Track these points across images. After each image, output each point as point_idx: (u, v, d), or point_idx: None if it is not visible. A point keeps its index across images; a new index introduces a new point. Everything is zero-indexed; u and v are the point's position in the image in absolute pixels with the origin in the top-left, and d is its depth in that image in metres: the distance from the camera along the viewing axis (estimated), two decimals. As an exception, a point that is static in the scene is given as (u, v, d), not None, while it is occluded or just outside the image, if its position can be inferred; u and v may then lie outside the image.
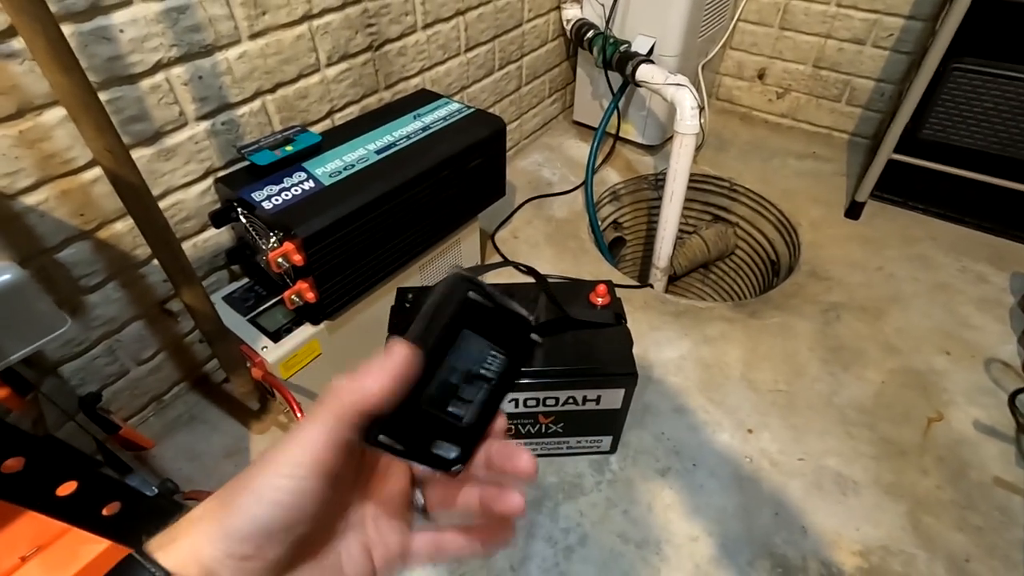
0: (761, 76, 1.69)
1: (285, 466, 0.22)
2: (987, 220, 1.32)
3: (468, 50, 1.23)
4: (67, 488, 0.51)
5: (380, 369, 0.23)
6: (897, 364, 1.06)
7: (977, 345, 1.09)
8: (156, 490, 0.61)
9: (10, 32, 0.60)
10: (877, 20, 1.43)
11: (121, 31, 0.68)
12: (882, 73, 1.50)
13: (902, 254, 1.30)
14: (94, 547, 0.58)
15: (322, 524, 0.24)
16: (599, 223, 1.43)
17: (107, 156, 0.53)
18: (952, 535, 0.82)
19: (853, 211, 1.38)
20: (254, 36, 0.82)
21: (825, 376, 1.04)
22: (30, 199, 0.68)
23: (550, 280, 0.84)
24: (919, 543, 0.81)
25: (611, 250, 1.56)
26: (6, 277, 0.38)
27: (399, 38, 1.05)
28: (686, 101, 1.13)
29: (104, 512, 0.56)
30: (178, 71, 0.76)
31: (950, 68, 1.16)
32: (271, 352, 0.81)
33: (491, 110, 1.39)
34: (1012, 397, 0.97)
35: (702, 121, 1.17)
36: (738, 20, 1.62)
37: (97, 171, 0.73)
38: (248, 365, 0.82)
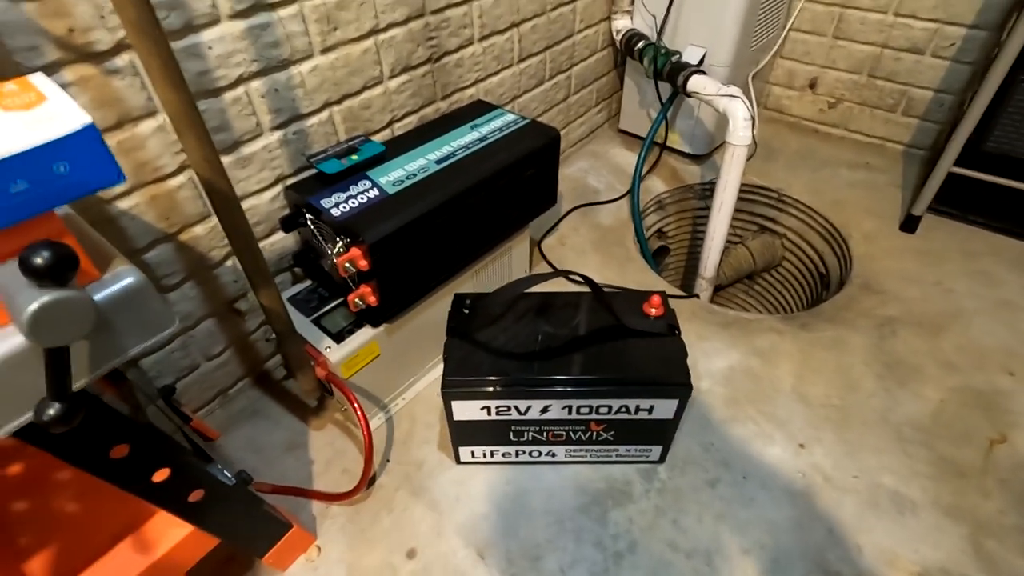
0: (812, 85, 1.67)
1: None
2: (1054, 236, 1.27)
3: (521, 61, 1.25)
4: (162, 475, 0.55)
5: None
6: (957, 382, 1.03)
7: (1043, 365, 1.05)
8: (233, 480, 0.65)
9: (115, 51, 0.65)
10: (938, 29, 1.40)
11: (210, 48, 0.73)
12: (942, 83, 1.45)
13: (962, 269, 1.26)
14: (180, 531, 0.62)
15: None
16: (644, 231, 1.43)
17: (204, 166, 0.56)
18: (1017, 561, 0.80)
19: (909, 224, 1.35)
20: (325, 51, 0.86)
21: (880, 392, 1.02)
22: (124, 204, 0.73)
23: (604, 289, 0.85)
24: (981, 567, 0.79)
25: (655, 258, 1.56)
26: (130, 280, 0.42)
27: (457, 50, 1.08)
28: (739, 112, 1.13)
29: (190, 499, 0.60)
30: (257, 84, 0.80)
31: (1019, 80, 1.12)
32: (334, 352, 0.85)
33: (540, 118, 1.41)
34: (1082, 421, 0.94)
35: (754, 133, 1.16)
36: (790, 29, 1.60)
37: (182, 178, 0.78)
38: (312, 364, 0.85)
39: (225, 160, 0.81)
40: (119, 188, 0.72)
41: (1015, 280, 1.22)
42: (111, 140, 0.69)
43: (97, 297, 0.40)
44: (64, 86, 0.63)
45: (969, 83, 1.41)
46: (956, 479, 0.89)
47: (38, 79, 0.39)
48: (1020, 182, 1.21)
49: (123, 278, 0.42)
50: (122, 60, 0.66)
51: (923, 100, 1.50)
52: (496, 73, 1.20)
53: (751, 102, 1.50)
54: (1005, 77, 1.10)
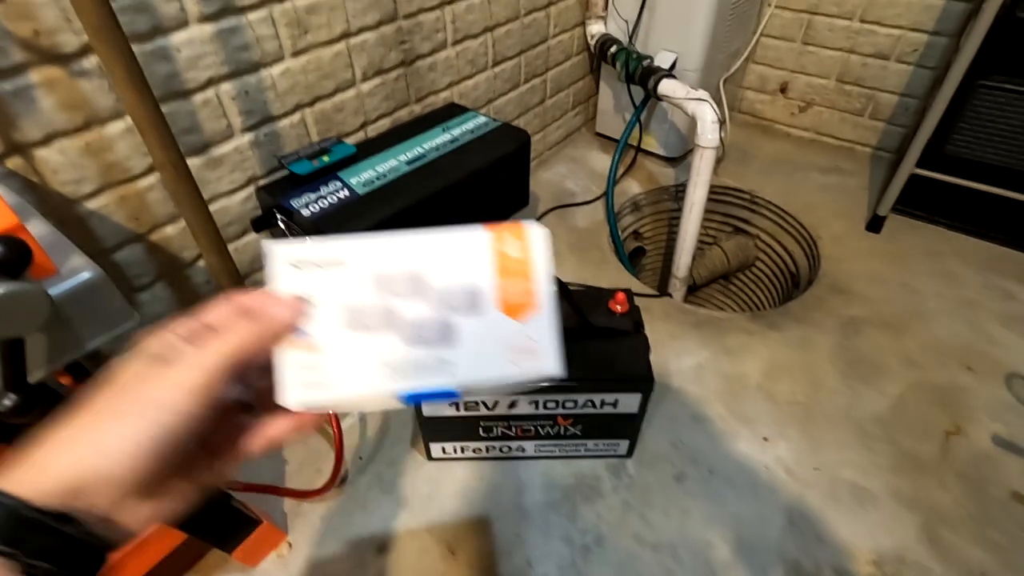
0: (783, 90, 1.71)
1: (186, 385, 0.22)
2: (1014, 236, 1.31)
3: (495, 65, 1.27)
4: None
5: (274, 312, 0.25)
6: (918, 378, 1.06)
7: (1001, 361, 1.09)
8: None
9: (82, 53, 0.66)
10: (901, 36, 1.44)
11: (178, 50, 0.74)
12: (906, 88, 1.50)
13: (926, 269, 1.29)
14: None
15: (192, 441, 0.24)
16: (620, 233, 1.46)
17: (168, 168, 0.58)
18: (970, 550, 0.82)
19: (874, 225, 1.38)
20: (296, 54, 0.87)
21: (844, 389, 1.05)
22: (93, 203, 0.74)
23: (571, 288, 0.87)
24: (935, 556, 0.82)
25: (631, 260, 1.58)
26: (88, 275, 0.43)
27: (430, 54, 1.10)
28: (707, 115, 1.16)
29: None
30: (227, 87, 0.81)
31: (976, 85, 1.16)
32: (305, 351, 0.86)
33: (516, 122, 1.43)
34: (1035, 414, 0.97)
35: (723, 135, 1.19)
36: (761, 35, 1.64)
37: (151, 179, 0.79)
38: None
39: (195, 162, 0.82)
40: (87, 188, 0.73)
41: (976, 279, 1.26)
42: (79, 141, 0.70)
43: (52, 291, 0.41)
44: (30, 88, 0.64)
45: (931, 88, 1.45)
46: (915, 472, 0.92)
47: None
48: (980, 183, 1.25)
49: (79, 273, 0.43)
50: (89, 62, 0.67)
51: (889, 104, 1.55)
52: (470, 77, 1.22)
53: (723, 105, 1.54)
54: (961, 82, 1.14)
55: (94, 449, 0.21)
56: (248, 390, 0.28)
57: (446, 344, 0.28)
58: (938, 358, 1.10)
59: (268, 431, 0.29)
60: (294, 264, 0.28)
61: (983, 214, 1.32)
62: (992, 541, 0.83)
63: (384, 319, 0.28)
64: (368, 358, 0.28)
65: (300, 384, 0.27)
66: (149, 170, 0.78)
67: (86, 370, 0.65)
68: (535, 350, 0.29)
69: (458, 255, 0.29)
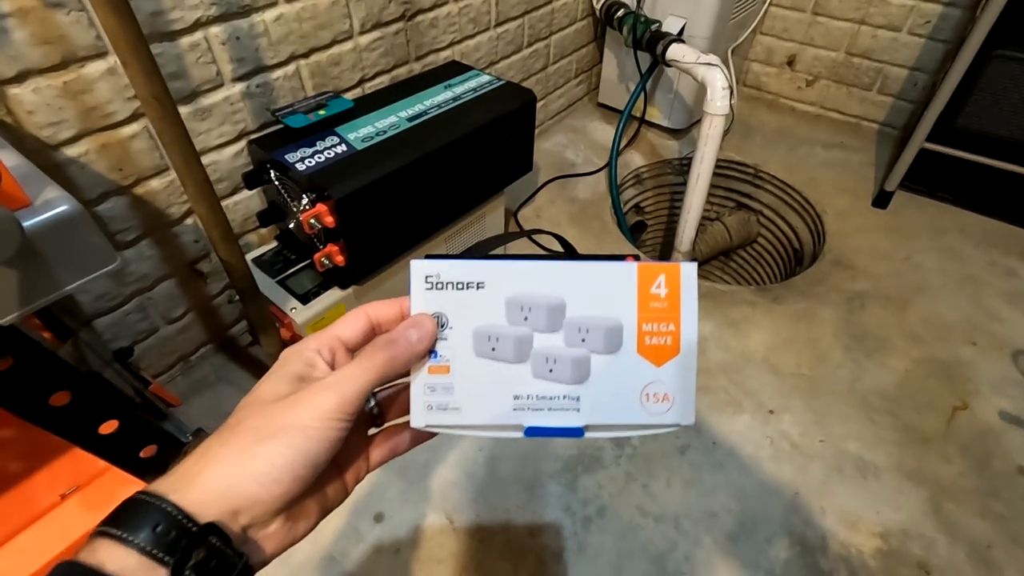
0: (791, 63, 1.67)
1: (328, 411, 0.23)
2: (1019, 213, 1.30)
3: (498, 25, 1.22)
4: (109, 427, 0.53)
5: (414, 339, 0.26)
6: (922, 353, 1.05)
7: (1005, 337, 1.08)
8: (191, 437, 0.62)
9: (58, -19, 0.61)
10: (914, 7, 1.40)
11: (164, -14, 0.69)
12: (917, 62, 1.47)
13: (930, 245, 1.28)
14: (131, 488, 0.59)
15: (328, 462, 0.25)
16: (622, 206, 1.42)
17: (154, 104, 0.53)
18: (974, 522, 0.82)
19: (881, 200, 1.36)
20: (291, -1, 0.82)
21: (848, 363, 1.04)
22: (71, 151, 0.69)
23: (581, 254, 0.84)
24: (940, 528, 0.81)
25: (632, 233, 1.55)
26: (64, 208, 0.39)
27: (431, 8, 1.04)
28: (717, 81, 1.12)
29: (142, 454, 0.57)
30: (216, 30, 0.76)
31: (990, 56, 1.13)
32: (299, 313, 0.82)
33: (518, 88, 1.38)
34: (1039, 389, 0.96)
35: (731, 103, 1.16)
36: (770, 4, 1.59)
37: (136, 126, 0.74)
38: (277, 326, 0.83)
39: (183, 110, 0.77)
40: (65, 133, 0.68)
41: (980, 256, 1.25)
42: (56, 81, 0.65)
43: (26, 223, 0.37)
44: (0, 17, 0.58)
45: (943, 61, 1.42)
46: (919, 445, 0.91)
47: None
48: (989, 158, 1.23)
49: (56, 205, 0.39)
50: (66, -8, 0.62)
51: (898, 78, 1.51)
52: (472, 36, 1.17)
53: (730, 76, 1.49)
54: (977, 53, 1.11)
55: (243, 472, 0.22)
56: (374, 402, 0.30)
57: (577, 381, 0.27)
58: (942, 333, 1.09)
59: (390, 443, 0.30)
60: (433, 281, 0.27)
61: (989, 190, 1.30)
62: (997, 514, 0.82)
63: (517, 348, 0.27)
64: (497, 387, 0.27)
65: (429, 407, 0.27)
66: (133, 116, 0.73)
67: (70, 330, 0.62)
68: (669, 398, 0.28)
69: (601, 288, 0.28)
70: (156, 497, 0.21)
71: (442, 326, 0.27)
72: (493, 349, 0.27)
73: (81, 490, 0.59)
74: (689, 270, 0.28)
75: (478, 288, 0.27)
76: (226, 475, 0.22)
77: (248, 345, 1.04)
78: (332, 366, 0.27)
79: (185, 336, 0.95)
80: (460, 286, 0.27)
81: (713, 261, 1.66)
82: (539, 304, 0.27)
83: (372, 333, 0.29)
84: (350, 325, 0.28)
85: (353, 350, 0.28)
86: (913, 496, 0.85)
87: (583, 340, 0.27)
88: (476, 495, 0.84)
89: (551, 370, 0.27)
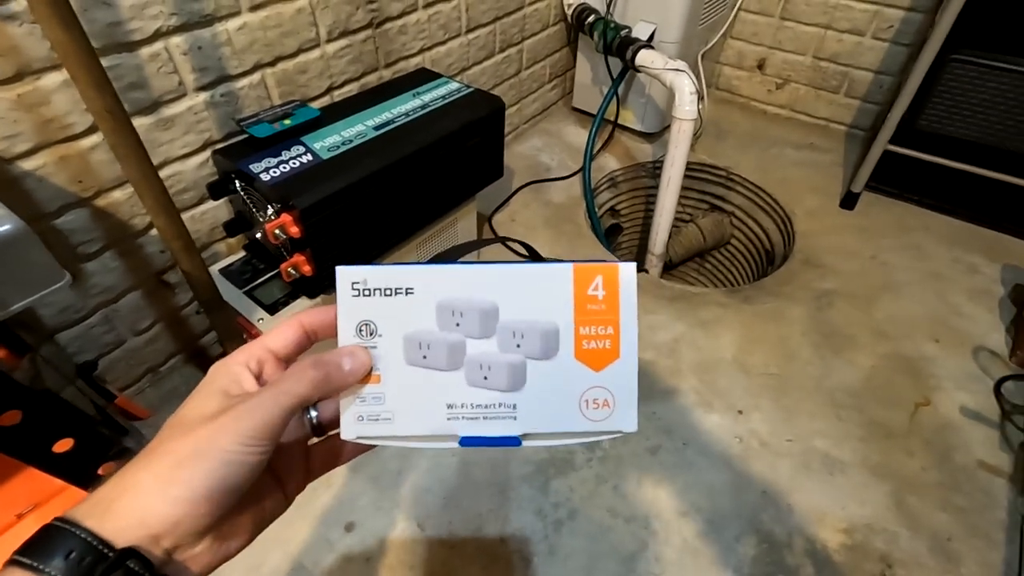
0: (761, 66, 1.70)
1: (247, 436, 0.23)
2: (980, 212, 1.33)
3: (469, 31, 1.22)
4: (64, 445, 0.52)
5: (347, 369, 0.26)
6: (887, 350, 1.07)
7: (966, 333, 1.10)
8: (152, 452, 0.62)
9: (9, -7, 0.60)
10: (877, 11, 1.43)
11: (121, -3, 0.68)
12: (881, 65, 1.50)
13: (896, 244, 1.31)
14: (90, 505, 0.59)
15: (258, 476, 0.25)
16: (596, 209, 1.43)
17: (106, 117, 0.53)
18: (936, 515, 0.84)
19: (848, 201, 1.39)
20: (254, 8, 0.82)
21: (816, 360, 1.05)
22: (28, 164, 0.68)
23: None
24: (903, 522, 0.83)
25: (607, 237, 1.56)
26: (6, 227, 0.39)
27: (400, 16, 1.05)
28: (685, 87, 1.14)
29: (100, 471, 0.56)
30: (177, 40, 0.76)
31: (948, 59, 1.16)
32: (267, 324, 0.82)
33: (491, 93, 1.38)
34: (998, 384, 0.99)
35: (700, 108, 1.17)
36: (739, 9, 1.62)
37: (95, 138, 0.73)
38: (244, 337, 0.82)
39: (144, 121, 0.76)
40: (22, 146, 0.67)
41: (944, 254, 1.28)
42: (10, 93, 0.64)
43: (-36, 242, 0.37)
44: (-50, 30, 0.58)
45: (906, 65, 1.46)
46: (883, 440, 0.93)
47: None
48: (949, 159, 1.26)
49: (-4, 224, 0.39)
50: (17, 4, 0.61)
51: (864, 81, 1.55)
52: (443, 43, 1.18)
53: (700, 80, 1.51)
54: (936, 56, 1.14)
55: (162, 497, 0.21)
56: (314, 413, 0.29)
57: (513, 388, 0.27)
58: (907, 330, 1.11)
59: (331, 453, 0.30)
60: (360, 288, 0.26)
61: (952, 191, 1.33)
62: (957, 507, 0.84)
63: (449, 356, 0.27)
64: (430, 397, 0.27)
65: (360, 417, 0.27)
66: (92, 128, 0.72)
67: (26, 344, 0.61)
68: (610, 404, 0.27)
69: (536, 291, 0.27)
70: (71, 523, 0.20)
71: (371, 334, 0.27)
72: (424, 357, 0.26)
73: (39, 508, 0.58)
74: (628, 271, 0.27)
75: (407, 294, 0.26)
76: (144, 500, 0.21)
77: (220, 356, 1.03)
78: (260, 378, 0.26)
79: (153, 347, 0.94)
80: (388, 292, 0.26)
81: (688, 263, 1.68)
82: (471, 308, 0.26)
83: (307, 341, 0.28)
84: (281, 335, 0.27)
85: (286, 360, 0.28)
86: (877, 491, 0.87)
87: (518, 345, 0.26)
88: (448, 501, 0.84)
89: (486, 377, 0.26)
